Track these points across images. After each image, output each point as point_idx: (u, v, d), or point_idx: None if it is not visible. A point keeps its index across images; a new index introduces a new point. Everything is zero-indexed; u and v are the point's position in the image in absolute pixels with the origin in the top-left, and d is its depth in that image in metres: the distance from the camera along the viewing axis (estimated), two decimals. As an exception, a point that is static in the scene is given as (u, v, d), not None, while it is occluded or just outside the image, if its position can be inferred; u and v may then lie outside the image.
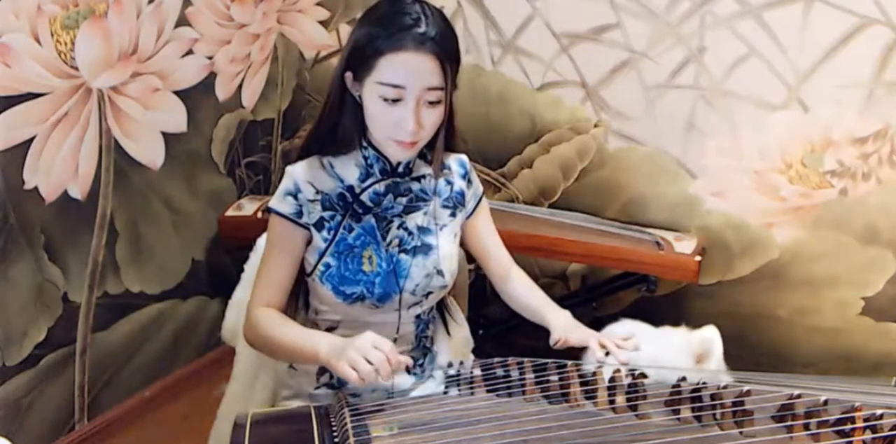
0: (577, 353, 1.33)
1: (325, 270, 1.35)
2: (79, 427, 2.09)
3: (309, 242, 1.35)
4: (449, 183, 1.44)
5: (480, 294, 2.46)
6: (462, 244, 1.51)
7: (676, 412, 1.10)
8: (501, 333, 2.42)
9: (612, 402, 1.14)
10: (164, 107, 2.14)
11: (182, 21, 2.12)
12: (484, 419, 1.10)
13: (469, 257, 1.61)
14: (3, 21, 1.70)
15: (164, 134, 2.16)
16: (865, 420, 1.01)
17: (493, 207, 1.55)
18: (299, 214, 1.33)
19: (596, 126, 2.27)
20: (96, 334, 2.08)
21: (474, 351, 1.67)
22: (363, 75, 1.25)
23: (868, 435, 0.99)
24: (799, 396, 1.06)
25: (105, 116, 1.97)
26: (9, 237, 1.81)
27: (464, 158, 1.47)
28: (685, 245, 2.11)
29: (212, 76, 2.27)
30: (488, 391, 1.21)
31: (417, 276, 1.37)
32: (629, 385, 1.15)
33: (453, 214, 1.44)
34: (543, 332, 1.43)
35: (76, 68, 1.87)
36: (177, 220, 2.26)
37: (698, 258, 2.05)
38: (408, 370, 1.20)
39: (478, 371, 1.24)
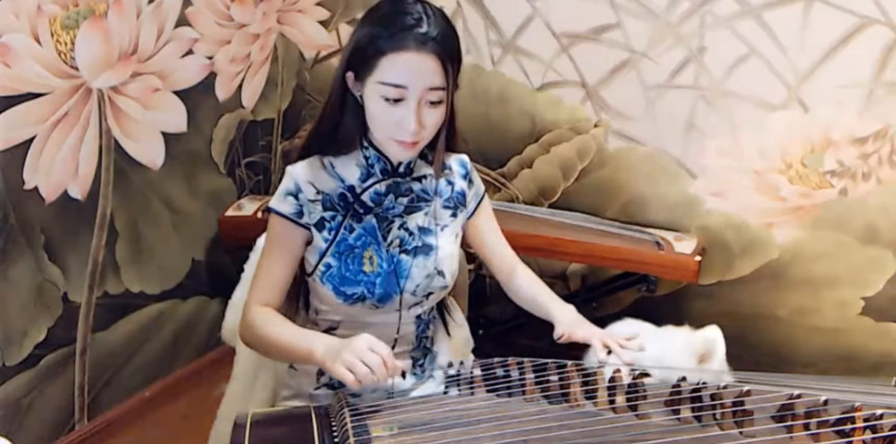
0: (577, 353, 1.33)
1: (325, 270, 1.35)
2: (79, 427, 2.09)
3: (309, 242, 1.35)
4: (450, 183, 1.44)
5: (480, 294, 2.46)
6: (466, 244, 1.51)
7: (676, 412, 1.10)
8: (501, 333, 2.42)
9: (612, 402, 1.14)
10: (164, 107, 2.14)
11: (182, 21, 2.12)
12: (484, 419, 1.10)
13: (469, 257, 1.61)
14: (3, 21, 1.70)
15: (164, 134, 2.16)
16: (865, 420, 1.01)
17: (493, 207, 1.55)
18: (300, 214, 1.33)
19: (596, 126, 2.27)
20: (96, 334, 2.09)
21: (474, 351, 1.67)
22: (364, 75, 1.25)
23: (868, 435, 0.99)
24: (799, 396, 1.06)
25: (105, 116, 1.97)
26: (9, 237, 1.81)
27: (465, 158, 1.47)
28: (685, 245, 2.11)
29: (212, 76, 2.27)
30: (488, 391, 1.21)
31: (418, 276, 1.37)
32: (629, 385, 1.15)
33: (454, 215, 1.44)
34: (543, 332, 1.43)
35: (76, 68, 1.87)
36: (177, 220, 2.26)
37: (698, 258, 2.05)
38: (403, 375, 1.19)
39: (478, 371, 1.24)
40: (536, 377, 1.19)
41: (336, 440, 1.10)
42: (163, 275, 2.26)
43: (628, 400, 1.13)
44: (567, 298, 2.21)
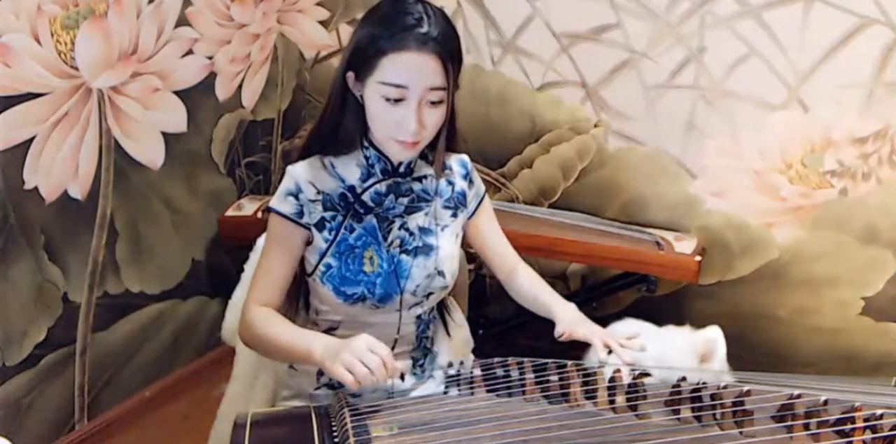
0: (577, 353, 1.33)
1: (325, 270, 1.35)
2: (79, 427, 2.09)
3: (309, 242, 1.35)
4: (450, 183, 1.44)
5: (480, 294, 2.46)
6: (466, 244, 1.51)
7: (676, 412, 1.10)
8: (501, 333, 2.42)
9: (612, 402, 1.14)
10: (164, 107, 2.14)
11: (182, 21, 2.12)
12: (484, 419, 1.10)
13: (469, 257, 1.61)
14: (3, 21, 1.70)
15: (164, 134, 2.16)
16: (865, 420, 1.01)
17: (493, 206, 1.55)
18: (300, 214, 1.33)
19: (596, 126, 2.27)
20: (96, 334, 2.09)
21: (474, 351, 1.67)
22: (365, 75, 1.25)
23: (868, 435, 0.99)
24: (799, 396, 1.06)
25: (105, 116, 1.97)
26: (9, 237, 1.81)
27: (465, 158, 1.47)
28: (685, 245, 2.11)
29: (212, 76, 2.27)
30: (488, 391, 1.21)
31: (418, 276, 1.37)
32: (629, 385, 1.15)
33: (454, 215, 1.44)
34: (543, 332, 1.42)
35: (76, 68, 1.87)
36: (177, 220, 2.26)
37: (698, 258, 2.05)
38: (402, 377, 1.19)
39: (478, 371, 1.24)
40: (536, 377, 1.19)
41: (336, 440, 1.10)
42: (163, 275, 2.26)
43: (628, 400, 1.13)
44: (567, 298, 2.20)
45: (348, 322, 1.40)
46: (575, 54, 2.23)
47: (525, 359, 1.25)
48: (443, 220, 1.42)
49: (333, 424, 1.14)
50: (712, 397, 1.10)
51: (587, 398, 1.16)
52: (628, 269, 2.17)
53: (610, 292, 2.33)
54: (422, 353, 1.48)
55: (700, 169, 2.19)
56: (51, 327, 1.95)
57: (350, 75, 1.28)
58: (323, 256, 1.35)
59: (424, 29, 1.21)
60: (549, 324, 1.42)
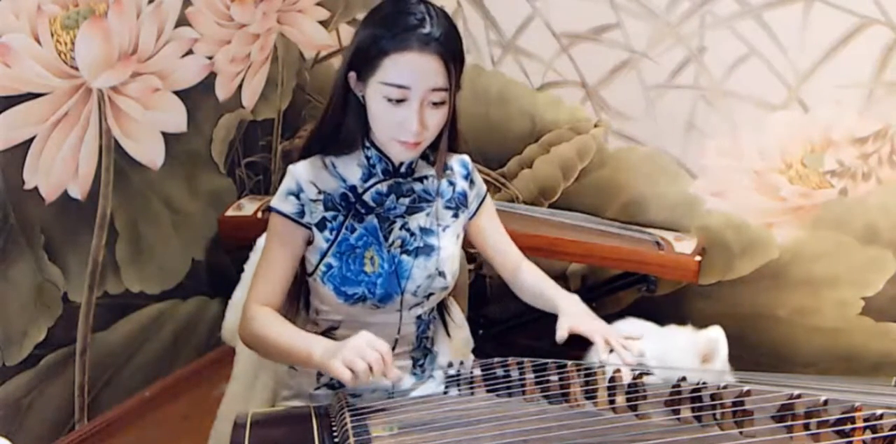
0: (577, 353, 1.33)
1: (326, 270, 1.35)
2: (79, 427, 2.09)
3: (310, 242, 1.35)
4: (451, 184, 1.44)
5: (480, 294, 2.46)
6: (468, 244, 1.51)
7: (676, 412, 1.10)
8: (501, 333, 2.42)
9: (612, 402, 1.14)
10: (164, 107, 2.14)
11: (182, 21, 2.12)
12: (484, 419, 1.10)
13: (469, 257, 1.61)
14: (3, 21, 1.70)
15: (164, 134, 2.16)
16: (865, 420, 1.01)
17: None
18: (301, 213, 1.33)
19: (596, 126, 2.27)
20: (96, 334, 2.09)
21: (474, 351, 1.67)
22: (367, 75, 1.25)
23: (868, 435, 0.99)
24: (799, 396, 1.06)
25: (105, 116, 1.97)
26: (9, 237, 1.81)
27: (466, 158, 1.47)
28: (685, 245, 2.11)
29: (212, 76, 2.27)
30: (488, 391, 1.20)
31: (419, 277, 1.37)
32: (629, 385, 1.15)
33: (456, 215, 1.44)
34: (543, 332, 1.42)
35: (76, 68, 1.87)
36: (177, 220, 2.26)
37: (698, 258, 2.05)
38: (395, 383, 1.19)
39: (478, 371, 1.24)
40: (536, 377, 1.19)
41: (336, 440, 1.10)
42: (163, 275, 2.26)
43: (628, 400, 1.13)
44: (567, 298, 2.19)
45: (348, 322, 1.39)
46: (575, 54, 2.23)
47: (525, 359, 1.25)
48: (444, 220, 1.42)
49: (333, 424, 1.14)
50: (712, 397, 1.10)
51: (587, 398, 1.16)
52: (628, 269, 2.17)
53: (610, 292, 2.33)
54: (422, 353, 1.48)
55: (700, 169, 2.19)
56: (51, 327, 1.95)
57: (352, 75, 1.28)
58: (324, 256, 1.35)
59: (427, 29, 1.21)
60: (550, 324, 1.40)
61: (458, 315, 1.62)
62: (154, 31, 2.04)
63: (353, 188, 1.35)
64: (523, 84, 2.31)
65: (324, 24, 2.53)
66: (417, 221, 1.39)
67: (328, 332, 1.40)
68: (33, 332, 1.92)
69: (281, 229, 1.34)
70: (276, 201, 1.34)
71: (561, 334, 1.31)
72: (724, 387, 1.11)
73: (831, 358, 2.19)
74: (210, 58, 2.24)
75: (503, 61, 2.32)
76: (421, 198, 1.40)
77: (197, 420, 1.87)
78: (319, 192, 1.33)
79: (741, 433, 1.04)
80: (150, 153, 2.13)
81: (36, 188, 1.85)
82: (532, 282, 1.49)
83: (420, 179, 1.40)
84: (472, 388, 1.22)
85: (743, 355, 2.07)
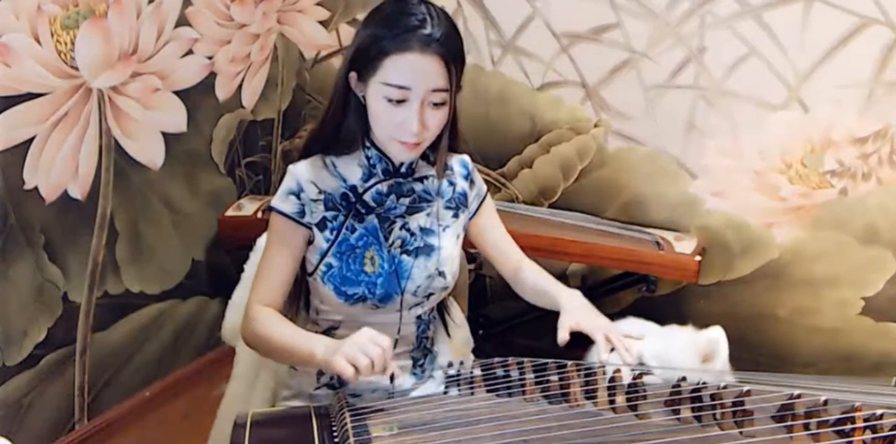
0: (577, 353, 1.33)
1: (326, 270, 1.35)
2: (79, 427, 2.09)
3: (310, 241, 1.35)
4: (451, 184, 1.44)
5: (480, 294, 2.47)
6: (468, 244, 1.51)
7: (676, 412, 1.10)
8: (501, 333, 2.42)
9: (612, 402, 1.14)
10: (164, 107, 2.14)
11: (182, 21, 2.12)
12: (484, 419, 1.10)
13: (469, 257, 1.61)
14: (3, 21, 1.70)
15: (164, 134, 2.16)
16: (865, 420, 1.01)
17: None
18: (301, 213, 1.33)
19: (596, 126, 2.27)
20: (96, 334, 2.08)
21: (474, 351, 1.67)
22: (368, 76, 1.25)
23: (868, 435, 0.99)
24: (799, 396, 1.06)
25: (105, 116, 1.97)
26: (9, 237, 1.81)
27: (466, 158, 1.47)
28: (685, 245, 2.11)
29: (212, 76, 2.27)
30: (488, 391, 1.21)
31: (419, 277, 1.37)
32: (629, 385, 1.15)
33: (456, 215, 1.44)
34: (543, 332, 1.42)
35: (76, 68, 1.87)
36: (177, 220, 2.26)
37: (698, 258, 2.05)
38: (391, 378, 1.19)
39: (478, 371, 1.24)
40: (536, 377, 1.19)
41: (336, 440, 1.10)
42: (163, 275, 2.26)
43: (628, 400, 1.13)
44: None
45: (349, 322, 1.39)
46: (575, 54, 2.23)
47: (525, 359, 1.25)
48: (444, 220, 1.42)
49: (333, 424, 1.14)
50: (712, 397, 1.10)
51: (587, 398, 1.16)
52: (628, 269, 2.17)
53: (610, 292, 2.33)
54: (422, 353, 1.48)
55: (700, 169, 2.19)
56: (51, 327, 1.95)
57: (352, 76, 1.28)
58: (324, 255, 1.35)
59: (428, 30, 1.21)
60: (550, 324, 1.40)
61: (458, 315, 1.62)
62: (154, 31, 2.04)
63: (353, 188, 1.35)
64: (523, 84, 2.31)
65: (324, 24, 2.53)
66: (418, 221, 1.39)
67: (328, 332, 1.40)
68: (33, 332, 1.92)
69: (281, 229, 1.34)
70: (277, 201, 1.34)
71: (562, 335, 1.29)
72: (724, 387, 1.11)
73: (831, 358, 2.19)
74: (210, 58, 2.24)
75: (503, 61, 2.32)
76: (421, 198, 1.40)
77: (197, 420, 1.88)
78: (320, 192, 1.34)
79: (741, 433, 1.04)
80: (150, 153, 2.13)
81: (36, 188, 1.85)
82: (533, 280, 1.48)
83: (420, 180, 1.40)
84: (472, 388, 1.22)
85: (743, 356, 2.07)
